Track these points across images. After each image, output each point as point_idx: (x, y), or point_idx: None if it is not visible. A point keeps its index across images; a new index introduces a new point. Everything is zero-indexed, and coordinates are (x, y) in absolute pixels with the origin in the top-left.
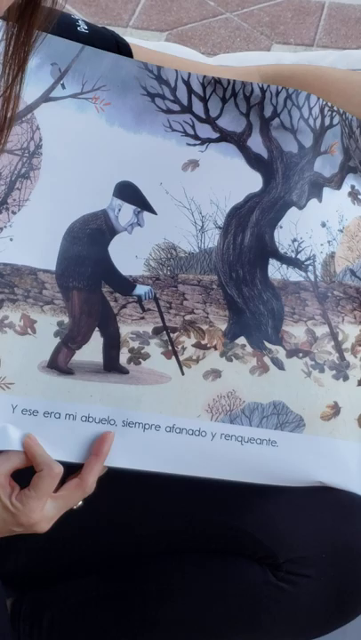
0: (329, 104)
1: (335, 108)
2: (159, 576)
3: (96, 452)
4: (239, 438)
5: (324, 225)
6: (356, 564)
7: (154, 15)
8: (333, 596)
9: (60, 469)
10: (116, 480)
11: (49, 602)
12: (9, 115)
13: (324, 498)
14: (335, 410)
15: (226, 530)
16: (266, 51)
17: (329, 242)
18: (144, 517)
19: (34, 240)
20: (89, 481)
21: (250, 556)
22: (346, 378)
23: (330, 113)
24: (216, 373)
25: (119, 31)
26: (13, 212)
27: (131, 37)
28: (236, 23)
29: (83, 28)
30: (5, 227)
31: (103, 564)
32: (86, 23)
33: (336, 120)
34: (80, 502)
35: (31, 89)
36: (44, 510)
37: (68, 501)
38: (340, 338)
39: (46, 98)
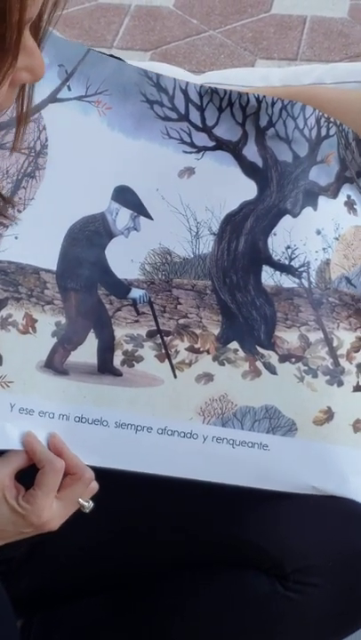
0: (325, 115)
1: (332, 119)
2: (169, 592)
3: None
4: (231, 441)
5: (319, 232)
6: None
7: (137, 35)
8: (342, 604)
9: (61, 464)
10: (123, 496)
11: (59, 622)
12: (24, 110)
13: (329, 505)
14: (328, 415)
15: (232, 541)
16: (250, 66)
17: (324, 249)
18: (150, 532)
19: (37, 239)
20: (78, 468)
21: (257, 567)
22: (340, 383)
23: (326, 124)
24: (208, 377)
25: (104, 52)
26: (19, 211)
27: None
28: (220, 40)
29: None
30: (11, 225)
31: (112, 583)
32: None
33: (333, 131)
34: (89, 503)
35: (39, 89)
36: (52, 508)
37: (73, 496)
38: (334, 344)
39: (53, 98)
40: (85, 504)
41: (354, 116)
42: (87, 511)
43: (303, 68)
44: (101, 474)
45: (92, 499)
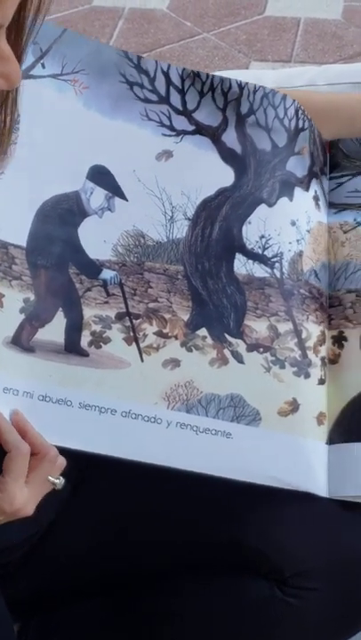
0: (302, 107)
1: (306, 113)
2: (166, 596)
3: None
4: (194, 428)
5: (293, 224)
6: (358, 574)
7: (131, 38)
8: (341, 609)
9: (27, 448)
10: (122, 497)
11: (57, 625)
12: (10, 118)
13: (328, 510)
14: (294, 406)
15: (231, 545)
16: (245, 68)
17: (298, 240)
18: (149, 534)
19: (6, 214)
20: (42, 447)
21: (255, 572)
22: (307, 375)
23: (303, 116)
24: (175, 362)
25: None
26: None
27: None
28: (214, 42)
29: None
30: None
31: (110, 584)
32: None
33: (307, 125)
34: (60, 480)
35: None
36: (24, 493)
37: (42, 476)
38: (303, 335)
39: (26, 75)
40: (56, 481)
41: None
42: (59, 488)
43: (296, 70)
44: (101, 475)
45: (96, 498)
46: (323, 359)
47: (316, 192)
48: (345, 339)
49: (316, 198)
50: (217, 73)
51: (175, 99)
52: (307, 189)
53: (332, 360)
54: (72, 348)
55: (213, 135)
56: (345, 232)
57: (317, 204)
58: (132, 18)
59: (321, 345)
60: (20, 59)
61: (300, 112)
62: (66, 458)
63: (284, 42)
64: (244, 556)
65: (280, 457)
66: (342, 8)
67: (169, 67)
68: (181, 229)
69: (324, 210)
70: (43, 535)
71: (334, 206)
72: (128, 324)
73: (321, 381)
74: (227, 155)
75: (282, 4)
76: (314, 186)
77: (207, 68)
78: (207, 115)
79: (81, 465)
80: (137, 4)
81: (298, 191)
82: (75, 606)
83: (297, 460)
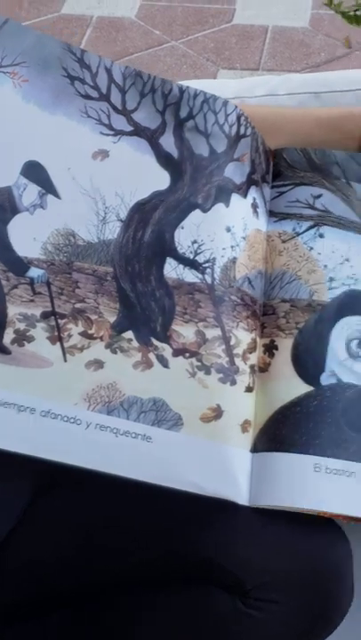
0: (245, 114)
1: (249, 120)
2: (127, 610)
3: None
4: (114, 430)
5: (229, 230)
6: (323, 584)
7: (100, 46)
8: (303, 620)
9: None
10: (83, 510)
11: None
12: None
13: (289, 521)
14: (217, 413)
15: (192, 558)
16: (212, 77)
17: (232, 247)
18: (110, 547)
19: None
20: None
21: (217, 585)
22: (233, 382)
23: (245, 123)
24: (99, 364)
25: None
26: None
27: None
28: (182, 51)
29: None
30: None
31: (73, 597)
32: None
33: (249, 131)
34: None
35: None
36: None
37: None
38: (232, 342)
39: None
40: None
41: (256, 123)
42: None
43: (258, 79)
44: (63, 483)
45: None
46: (252, 367)
47: (255, 199)
48: (276, 348)
49: (254, 205)
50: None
51: (116, 97)
52: (245, 196)
53: (262, 368)
54: None
55: (151, 138)
56: (283, 241)
57: (256, 212)
58: (101, 26)
59: (251, 353)
60: None
61: (242, 119)
62: (25, 464)
63: (252, 50)
64: (206, 570)
65: (201, 463)
66: (310, 16)
67: (112, 64)
68: (113, 230)
69: (264, 218)
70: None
71: (274, 215)
72: (53, 323)
73: (248, 389)
74: (163, 158)
75: (250, 12)
76: (253, 193)
77: (175, 77)
78: (146, 116)
79: (41, 472)
80: (105, 13)
81: (235, 197)
82: (32, 620)
83: (218, 466)
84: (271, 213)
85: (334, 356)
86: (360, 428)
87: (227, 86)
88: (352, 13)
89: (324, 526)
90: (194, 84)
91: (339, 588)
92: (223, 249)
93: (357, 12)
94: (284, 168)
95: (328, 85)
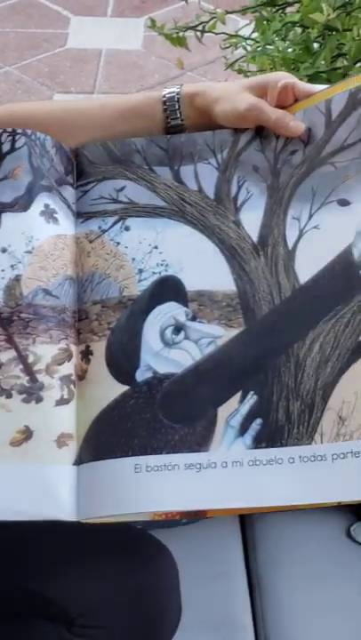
0: (8, 129)
1: (19, 131)
2: None
3: None
4: None
5: (4, 250)
6: (145, 606)
7: None
8: None
9: None
10: None
11: None
12: None
13: (111, 547)
14: (27, 434)
15: (15, 592)
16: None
17: (12, 266)
18: None
19: None
20: None
21: (44, 616)
22: (39, 399)
23: (10, 138)
24: None
25: None
26: None
27: None
28: (16, 76)
29: None
30: None
31: None
32: None
33: (21, 143)
34: None
35: None
36: None
37: None
38: (30, 360)
39: None
40: None
41: (53, 125)
42: None
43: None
44: None
45: None
46: (64, 378)
47: (48, 206)
48: (91, 353)
49: (47, 212)
50: None
51: None
52: (25, 209)
53: (80, 376)
54: None
55: None
56: (90, 242)
57: (51, 218)
58: None
59: (61, 364)
60: None
61: (4, 136)
62: None
63: (87, 73)
64: (30, 603)
65: (20, 489)
66: (142, 38)
67: None
68: None
69: (69, 221)
70: None
71: (81, 216)
72: None
73: (61, 402)
74: None
75: (82, 35)
76: (43, 200)
77: (10, 102)
78: None
79: None
80: None
81: (6, 217)
82: None
83: (36, 488)
84: (78, 214)
85: (149, 348)
86: (179, 418)
87: None
88: (175, 35)
89: (152, 552)
90: None
91: (166, 609)
92: (2, 271)
93: (179, 34)
94: (85, 165)
95: None
